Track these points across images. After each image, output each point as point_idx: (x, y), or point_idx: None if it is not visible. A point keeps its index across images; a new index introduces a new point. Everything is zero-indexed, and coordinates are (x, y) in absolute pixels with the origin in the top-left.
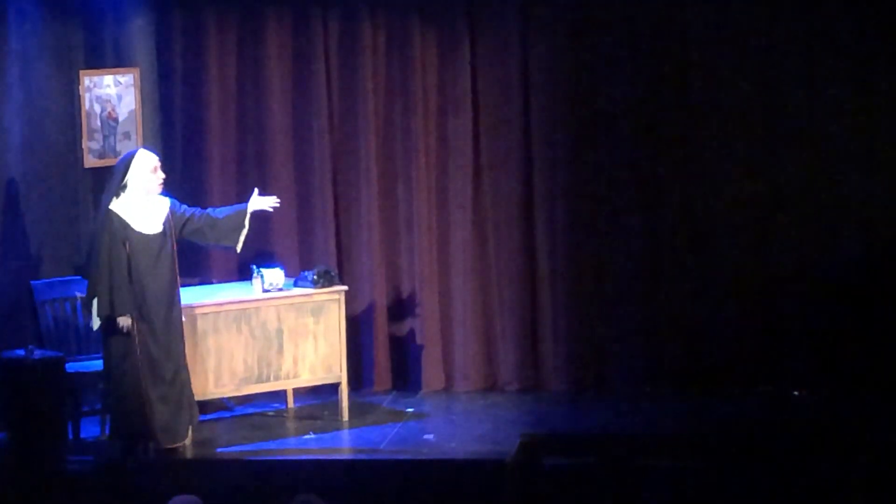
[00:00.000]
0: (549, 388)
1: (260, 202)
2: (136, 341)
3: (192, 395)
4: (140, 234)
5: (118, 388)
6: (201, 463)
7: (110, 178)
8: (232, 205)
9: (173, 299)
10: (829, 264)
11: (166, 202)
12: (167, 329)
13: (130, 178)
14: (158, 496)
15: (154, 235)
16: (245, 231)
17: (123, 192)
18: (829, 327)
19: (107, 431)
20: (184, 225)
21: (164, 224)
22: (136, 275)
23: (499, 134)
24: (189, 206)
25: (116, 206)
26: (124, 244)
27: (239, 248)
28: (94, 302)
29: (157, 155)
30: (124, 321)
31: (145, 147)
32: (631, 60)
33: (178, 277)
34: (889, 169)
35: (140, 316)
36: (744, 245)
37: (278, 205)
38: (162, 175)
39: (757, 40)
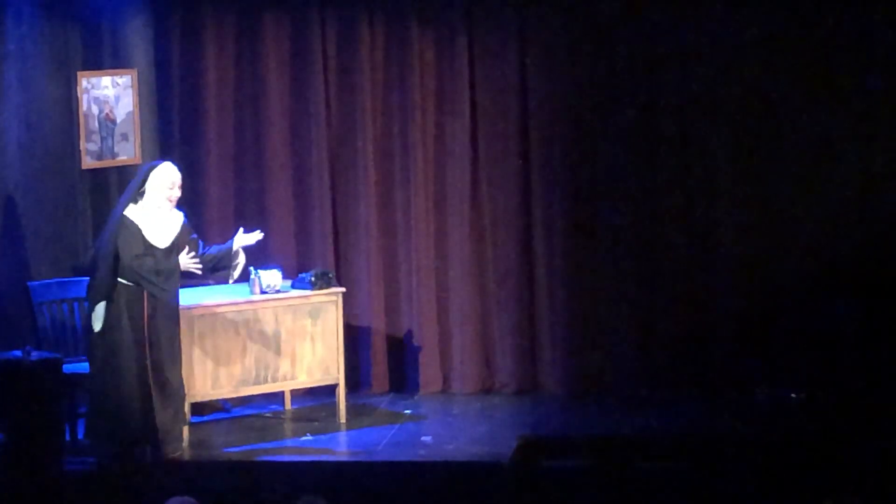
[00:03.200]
0: (546, 390)
1: (245, 238)
2: (144, 348)
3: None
4: (151, 244)
5: (116, 392)
6: (198, 464)
7: (129, 183)
8: (222, 244)
9: (176, 312)
10: (829, 266)
11: (180, 217)
12: (170, 341)
13: (148, 187)
14: (155, 498)
15: (163, 249)
16: (238, 265)
17: (141, 198)
18: (828, 330)
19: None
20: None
21: (173, 239)
22: None
23: (496, 136)
24: (195, 234)
25: (132, 212)
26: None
27: (231, 281)
28: (100, 306)
29: (180, 172)
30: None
31: (171, 161)
32: (629, 63)
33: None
34: (890, 170)
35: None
36: (742, 247)
37: (262, 237)
38: (178, 193)
39: (756, 41)
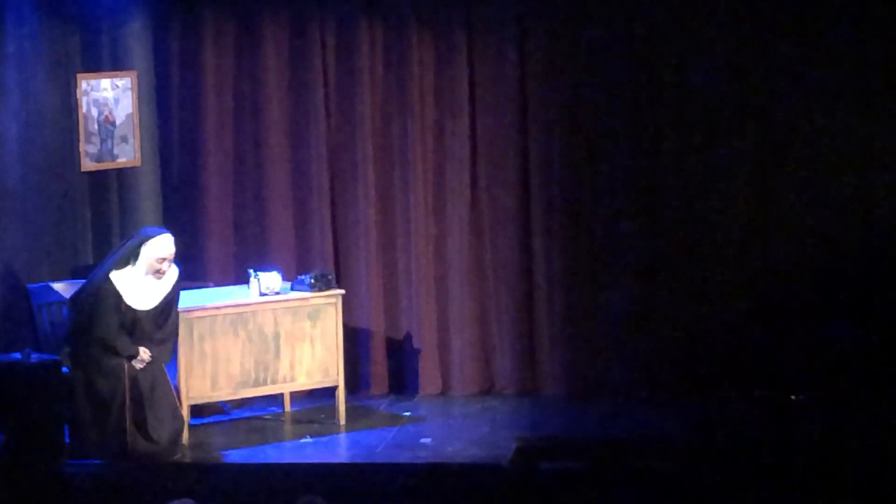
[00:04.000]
0: (545, 391)
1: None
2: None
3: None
4: (132, 308)
5: (95, 415)
6: (198, 467)
7: (121, 245)
8: None
9: (161, 372)
10: (828, 268)
11: (174, 273)
12: (151, 380)
13: (141, 253)
14: (155, 500)
15: (146, 312)
16: None
17: (133, 262)
18: (827, 331)
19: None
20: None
21: (160, 302)
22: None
23: (496, 138)
24: (173, 313)
25: (117, 276)
26: (117, 313)
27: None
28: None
29: (174, 247)
30: (142, 358)
31: (171, 234)
32: (628, 68)
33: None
34: (888, 171)
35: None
36: (741, 249)
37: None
38: (167, 268)
39: (755, 46)
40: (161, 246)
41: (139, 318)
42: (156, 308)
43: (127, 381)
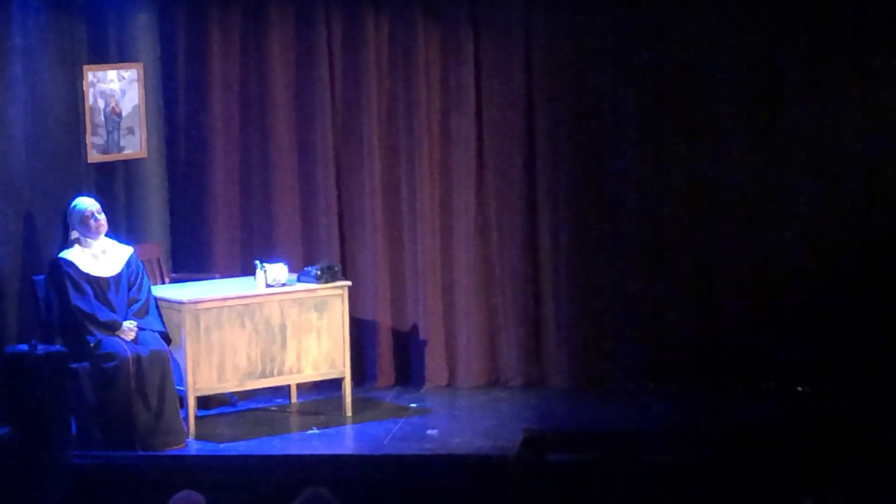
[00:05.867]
0: (552, 383)
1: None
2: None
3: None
4: (92, 276)
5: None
6: (204, 458)
7: (58, 232)
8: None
9: (160, 359)
10: (833, 259)
11: (128, 251)
12: (152, 371)
13: (71, 226)
14: (161, 492)
15: (107, 279)
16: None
17: (72, 238)
18: (833, 323)
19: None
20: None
21: (120, 269)
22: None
23: (502, 130)
24: (141, 279)
25: (67, 253)
26: (81, 282)
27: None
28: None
29: (96, 202)
30: (128, 327)
31: (85, 194)
32: (635, 60)
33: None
34: (891, 164)
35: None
36: (747, 240)
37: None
38: (98, 220)
39: (758, 39)
40: (78, 206)
41: (103, 284)
42: (118, 275)
43: (132, 366)
